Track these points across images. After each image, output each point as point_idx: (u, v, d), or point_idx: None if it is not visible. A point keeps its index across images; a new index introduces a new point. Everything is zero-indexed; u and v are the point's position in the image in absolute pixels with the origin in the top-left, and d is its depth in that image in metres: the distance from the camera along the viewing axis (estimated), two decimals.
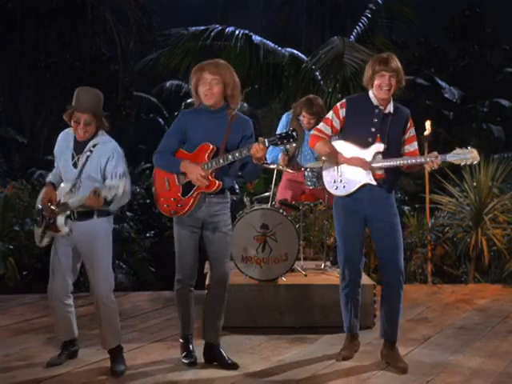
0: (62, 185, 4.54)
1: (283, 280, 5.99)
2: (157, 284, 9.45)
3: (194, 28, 9.43)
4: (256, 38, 9.31)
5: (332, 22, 15.64)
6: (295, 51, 9.61)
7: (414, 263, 8.59)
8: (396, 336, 4.83)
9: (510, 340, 5.52)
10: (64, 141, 4.63)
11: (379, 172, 4.65)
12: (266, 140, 4.35)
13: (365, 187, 4.68)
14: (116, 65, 15.59)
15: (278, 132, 6.42)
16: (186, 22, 12.80)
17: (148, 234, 12.13)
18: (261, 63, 9.30)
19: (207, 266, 6.02)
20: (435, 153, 4.54)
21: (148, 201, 13.19)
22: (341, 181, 4.78)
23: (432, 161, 4.48)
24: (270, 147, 6.51)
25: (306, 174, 6.19)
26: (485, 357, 5.04)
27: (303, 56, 9.54)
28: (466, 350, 5.24)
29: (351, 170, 4.74)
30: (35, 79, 15.39)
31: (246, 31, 9.27)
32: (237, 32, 9.20)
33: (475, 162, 4.53)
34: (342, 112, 4.76)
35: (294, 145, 4.74)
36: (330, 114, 4.82)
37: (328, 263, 6.73)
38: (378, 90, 4.63)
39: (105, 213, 4.52)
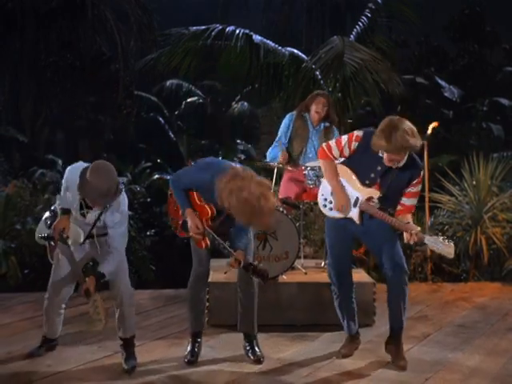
0: (78, 238, 4.58)
1: (284, 278, 6.04)
2: (157, 283, 9.48)
3: (194, 28, 9.44)
4: (256, 38, 9.32)
5: (332, 22, 15.65)
6: (295, 51, 9.61)
7: (413, 262, 8.58)
8: (400, 325, 4.85)
9: (509, 338, 5.56)
10: (74, 183, 4.46)
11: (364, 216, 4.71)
12: (242, 261, 4.44)
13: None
14: (117, 64, 15.61)
15: (281, 133, 6.55)
16: (185, 21, 12.80)
17: (148, 233, 12.16)
18: (261, 63, 9.30)
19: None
20: (417, 229, 4.49)
21: (148, 199, 13.22)
22: (331, 202, 4.84)
23: (411, 234, 4.46)
24: (270, 147, 6.60)
25: (306, 172, 6.22)
26: (484, 355, 5.09)
27: (303, 55, 9.55)
28: (465, 347, 5.28)
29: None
30: (35, 79, 15.41)
31: (247, 31, 9.28)
32: (237, 32, 9.20)
33: (451, 257, 4.50)
34: (355, 145, 4.69)
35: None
36: (344, 139, 4.76)
37: (327, 262, 6.77)
38: (387, 160, 4.58)
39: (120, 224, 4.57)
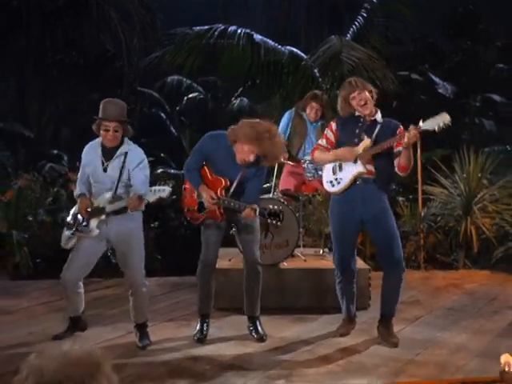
0: (105, 195, 4.91)
1: (284, 264, 6.38)
2: (163, 271, 9.76)
3: (198, 28, 9.76)
4: (257, 37, 9.64)
5: (331, 20, 15.91)
6: (295, 49, 9.93)
7: (407, 251, 8.85)
8: (392, 313, 5.20)
9: (494, 319, 5.89)
10: (91, 151, 4.99)
11: (369, 167, 5.00)
12: (257, 209, 4.80)
13: (357, 186, 5.03)
14: (121, 61, 15.85)
15: (280, 130, 6.87)
16: (186, 20, 13.06)
17: (152, 225, 12.43)
18: (262, 61, 9.61)
19: None
20: (412, 125, 4.82)
21: None
22: (336, 179, 5.15)
23: (410, 132, 4.69)
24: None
25: (305, 166, 6.55)
26: (470, 334, 5.43)
27: (302, 54, 9.86)
28: (453, 328, 5.62)
29: (344, 170, 5.11)
30: (41, 76, 15.65)
31: (248, 30, 9.60)
32: (239, 31, 9.52)
33: (447, 122, 4.69)
34: (334, 125, 5.19)
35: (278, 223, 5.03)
36: (326, 130, 5.28)
37: (326, 249, 7.12)
38: (360, 110, 5.03)
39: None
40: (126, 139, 4.94)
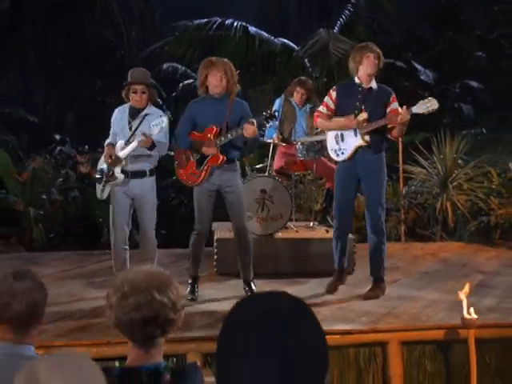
0: (119, 142, 5.62)
1: (279, 235, 6.99)
2: (166, 245, 10.36)
3: (197, 21, 10.35)
4: (252, 29, 10.24)
5: (319, 12, 16.43)
6: (286, 41, 10.54)
7: (389, 225, 9.46)
8: (379, 274, 5.87)
9: (464, 281, 6.36)
10: (120, 112, 5.72)
11: (366, 137, 5.64)
12: (254, 120, 5.44)
13: (357, 152, 5.69)
14: (122, 51, 16.38)
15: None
16: (182, 13, 13.62)
17: None
18: (256, 51, 10.22)
19: (214, 225, 7.16)
20: (405, 107, 5.45)
21: None
22: (340, 149, 5.82)
23: (403, 113, 5.37)
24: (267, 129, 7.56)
25: (297, 147, 7.18)
26: (442, 292, 6.06)
27: (294, 45, 10.47)
28: (427, 288, 6.27)
29: (346, 141, 5.76)
30: (46, 65, 16.15)
31: (244, 23, 10.20)
32: (235, 24, 10.12)
33: (436, 107, 5.45)
34: (334, 94, 5.81)
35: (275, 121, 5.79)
36: (325, 98, 5.87)
37: (316, 223, 7.77)
38: (365, 71, 5.62)
39: (153, 172, 5.61)
40: (149, 103, 5.63)
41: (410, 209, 9.63)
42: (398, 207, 9.49)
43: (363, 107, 5.65)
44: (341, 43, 9.58)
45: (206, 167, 5.64)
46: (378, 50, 5.68)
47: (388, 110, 5.65)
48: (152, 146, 5.44)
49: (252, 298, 1.60)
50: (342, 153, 5.80)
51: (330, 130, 5.87)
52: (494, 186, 9.40)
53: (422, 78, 16.17)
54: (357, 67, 5.67)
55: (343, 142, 5.77)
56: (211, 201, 5.79)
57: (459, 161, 9.68)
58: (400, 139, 9.18)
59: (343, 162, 5.83)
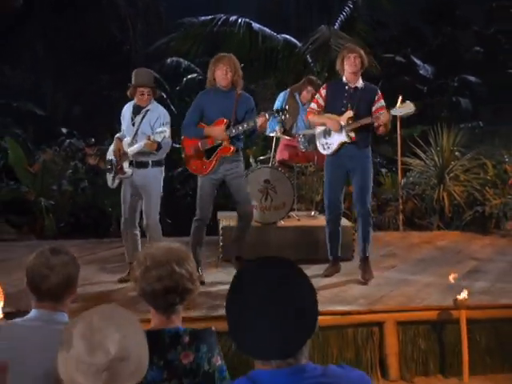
0: (125, 139, 5.96)
1: (281, 223, 7.28)
2: (172, 234, 10.64)
3: (203, 17, 10.63)
4: (255, 26, 10.51)
5: (320, 8, 16.62)
6: (288, 37, 10.80)
7: (388, 215, 9.75)
8: (365, 253, 6.17)
9: (458, 267, 6.75)
10: (126, 109, 6.09)
11: (351, 134, 5.94)
12: (266, 113, 5.84)
13: (344, 146, 5.99)
14: (128, 46, 16.62)
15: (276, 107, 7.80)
16: (185, 8, 13.84)
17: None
18: (259, 47, 10.49)
19: (219, 214, 7.46)
20: (385, 110, 5.81)
21: None
22: (326, 143, 6.13)
23: (384, 114, 5.74)
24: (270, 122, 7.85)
25: (299, 139, 7.46)
26: (436, 276, 6.34)
27: (296, 41, 10.73)
28: (422, 273, 6.56)
29: (333, 137, 6.06)
30: (54, 59, 16.37)
31: (247, 19, 10.47)
32: (239, 20, 10.39)
33: (412, 111, 5.79)
34: (324, 92, 6.15)
35: (287, 116, 6.12)
36: (316, 96, 6.23)
37: (317, 212, 8.05)
38: (348, 71, 5.94)
39: (157, 163, 5.89)
40: (152, 100, 5.98)
41: (408, 199, 9.86)
42: (396, 198, 9.73)
43: (349, 105, 5.96)
44: (341, 39, 9.82)
45: (215, 157, 5.95)
46: (358, 50, 5.99)
47: (374, 108, 5.96)
48: (158, 147, 5.78)
49: (255, 262, 1.89)
50: (328, 147, 6.13)
51: (318, 125, 6.21)
52: (489, 177, 9.64)
53: (421, 72, 16.42)
54: (342, 68, 5.99)
55: (330, 137, 6.10)
56: (214, 189, 6.15)
57: (457, 153, 9.94)
58: (399, 132, 9.48)
59: (330, 155, 6.14)
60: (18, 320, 2.70)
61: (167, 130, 5.70)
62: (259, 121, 5.80)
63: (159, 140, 5.65)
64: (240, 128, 5.85)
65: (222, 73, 5.87)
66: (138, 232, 6.20)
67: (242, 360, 3.83)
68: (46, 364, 2.40)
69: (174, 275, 2.46)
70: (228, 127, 5.89)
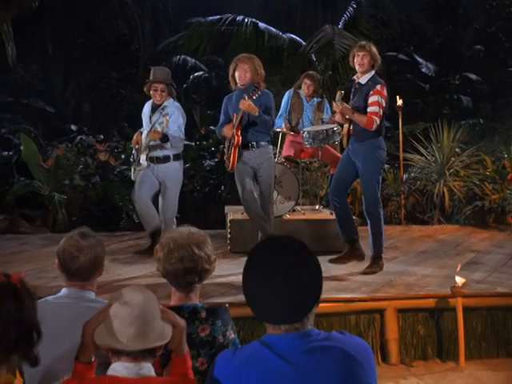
0: (143, 133, 6.32)
1: (287, 216, 7.52)
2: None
3: (210, 18, 10.89)
4: (261, 25, 10.76)
5: (324, 6, 16.89)
6: (293, 36, 11.05)
7: (390, 209, 9.99)
8: (375, 252, 6.38)
9: (456, 259, 7.00)
10: (146, 107, 6.47)
11: (350, 128, 6.24)
12: (245, 96, 6.05)
13: (349, 140, 6.28)
14: (137, 44, 16.88)
15: (282, 108, 8.06)
16: (190, 6, 14.06)
17: None
18: (265, 46, 10.75)
19: (227, 208, 7.72)
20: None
21: None
22: None
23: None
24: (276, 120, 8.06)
25: (304, 135, 7.70)
26: (435, 268, 6.59)
27: (300, 40, 10.98)
28: (422, 264, 6.79)
29: None
30: (64, 57, 16.65)
31: (253, 19, 10.72)
32: (246, 20, 10.65)
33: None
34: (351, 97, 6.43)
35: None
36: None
37: (321, 206, 8.30)
38: (356, 67, 6.19)
39: (177, 156, 6.20)
40: (169, 98, 6.27)
41: (409, 194, 10.10)
42: (398, 193, 9.96)
43: (354, 100, 6.24)
44: (345, 39, 10.07)
45: (232, 151, 6.25)
46: (368, 48, 6.15)
47: (368, 102, 6.13)
48: (164, 138, 6.06)
49: (269, 239, 2.17)
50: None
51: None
52: (488, 173, 9.83)
53: (423, 70, 16.64)
54: (353, 65, 6.22)
55: None
56: (250, 174, 6.42)
57: (457, 149, 10.16)
58: (400, 130, 9.70)
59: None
60: (49, 297, 2.96)
61: (166, 121, 6.05)
62: (241, 103, 6.03)
63: (159, 129, 5.96)
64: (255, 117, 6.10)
65: (241, 73, 6.17)
66: (151, 204, 6.53)
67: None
68: (76, 338, 2.66)
69: (194, 257, 2.72)
70: (240, 121, 6.17)
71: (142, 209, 6.52)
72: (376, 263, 6.38)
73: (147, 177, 6.44)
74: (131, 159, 6.66)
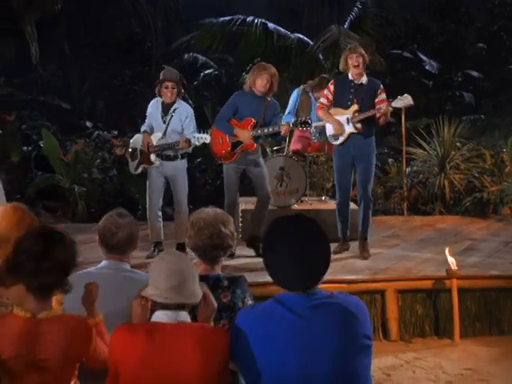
0: (155, 134, 6.63)
1: (295, 207, 7.90)
2: None
3: (221, 18, 11.31)
4: (270, 25, 11.16)
5: (330, 5, 17.24)
6: (301, 36, 11.44)
7: (393, 201, 10.38)
8: (364, 235, 6.79)
9: (455, 246, 7.44)
10: (154, 105, 6.74)
11: (358, 125, 6.58)
12: (290, 123, 6.52)
13: (351, 137, 6.63)
14: (149, 42, 17.27)
15: (290, 105, 8.41)
16: (198, 6, 14.36)
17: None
18: (274, 45, 11.15)
19: (240, 199, 8.11)
20: (386, 102, 6.44)
21: None
22: (335, 135, 6.77)
23: (384, 108, 6.37)
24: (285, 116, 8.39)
25: (311, 130, 8.10)
26: (433, 253, 6.95)
27: (308, 40, 11.37)
28: (421, 250, 7.17)
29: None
30: (78, 56, 17.05)
31: (263, 20, 11.13)
32: (255, 21, 11.05)
33: (411, 103, 6.43)
34: (332, 87, 6.76)
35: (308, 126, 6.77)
36: (325, 91, 6.84)
37: (327, 197, 8.71)
38: (352, 69, 6.56)
39: (185, 155, 6.58)
40: (178, 98, 6.62)
41: (412, 187, 10.43)
42: (401, 185, 10.30)
43: (355, 100, 6.57)
44: (350, 39, 10.45)
45: (239, 150, 6.62)
46: (359, 50, 6.56)
47: (376, 100, 6.55)
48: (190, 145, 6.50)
49: (286, 216, 2.59)
50: (338, 138, 6.73)
51: (325, 121, 6.85)
52: (487, 166, 10.17)
53: (426, 67, 16.99)
54: (346, 66, 6.60)
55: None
56: (238, 176, 6.79)
57: (457, 143, 10.53)
58: (404, 125, 10.08)
59: (339, 145, 6.75)
60: (91, 268, 3.39)
61: (208, 137, 6.43)
62: (283, 129, 6.47)
63: (197, 144, 6.37)
64: (266, 131, 6.49)
65: (263, 82, 6.50)
66: (161, 218, 6.85)
67: None
68: (117, 304, 3.09)
69: (221, 234, 3.14)
70: (255, 127, 6.55)
71: (151, 218, 6.83)
72: (366, 245, 6.81)
73: (156, 184, 6.72)
74: (131, 154, 6.93)
